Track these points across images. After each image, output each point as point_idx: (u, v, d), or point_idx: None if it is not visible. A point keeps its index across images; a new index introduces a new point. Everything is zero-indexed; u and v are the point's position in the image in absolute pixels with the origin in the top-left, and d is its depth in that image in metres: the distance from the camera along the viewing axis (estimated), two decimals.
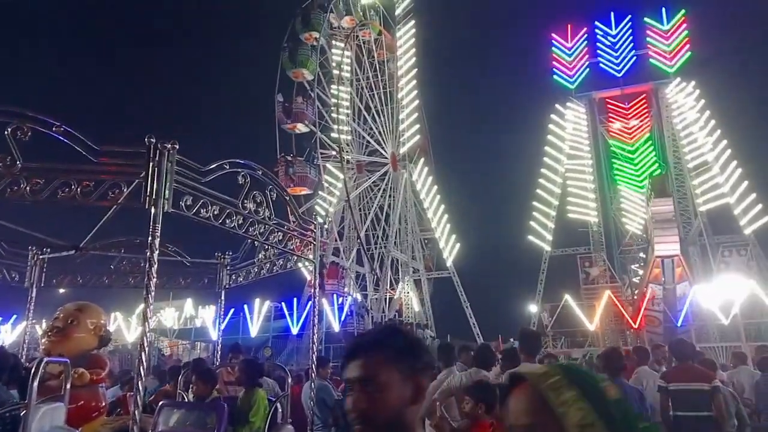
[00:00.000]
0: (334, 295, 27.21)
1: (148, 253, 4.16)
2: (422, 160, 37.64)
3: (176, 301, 30.84)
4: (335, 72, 35.39)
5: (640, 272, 32.05)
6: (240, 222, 5.03)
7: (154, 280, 4.21)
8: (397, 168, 36.50)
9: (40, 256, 7.61)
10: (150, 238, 4.17)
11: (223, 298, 8.59)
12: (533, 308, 32.63)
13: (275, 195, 5.53)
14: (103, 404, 6.17)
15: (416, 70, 37.45)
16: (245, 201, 5.08)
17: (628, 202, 37.46)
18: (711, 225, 33.05)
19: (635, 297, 26.67)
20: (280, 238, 5.76)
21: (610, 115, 39.06)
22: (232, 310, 24.52)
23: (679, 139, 35.62)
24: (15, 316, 25.25)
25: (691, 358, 6.96)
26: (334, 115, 34.31)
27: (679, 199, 33.44)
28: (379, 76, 37.96)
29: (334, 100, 34.89)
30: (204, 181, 4.60)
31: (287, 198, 5.83)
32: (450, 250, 36.36)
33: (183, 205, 4.41)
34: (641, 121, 38.29)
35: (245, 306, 25.13)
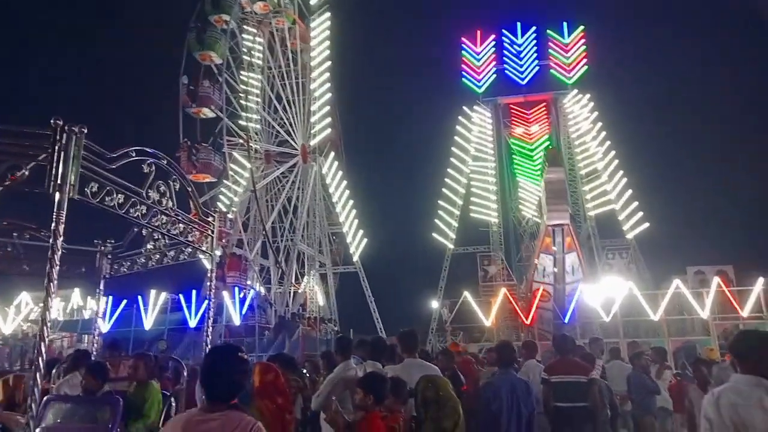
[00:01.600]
0: (236, 288, 26.56)
1: (51, 240, 3.97)
2: (333, 153, 37.60)
3: (63, 291, 28.77)
4: (246, 58, 34.47)
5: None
6: (143, 212, 4.87)
7: (57, 267, 4.04)
8: (307, 160, 36.21)
9: None
10: (54, 225, 3.99)
11: (102, 288, 8.13)
12: (435, 304, 33.66)
13: (178, 185, 5.38)
14: None
15: (330, 63, 37.32)
16: (149, 190, 4.92)
17: (525, 192, 39.61)
18: (598, 229, 35.78)
19: (529, 295, 28.23)
20: (181, 229, 5.61)
21: (513, 119, 41.06)
22: (125, 302, 23.29)
23: (573, 147, 38.17)
24: None
25: (571, 352, 7.56)
26: (242, 102, 33.42)
27: (571, 202, 35.80)
28: (292, 66, 37.43)
29: (243, 87, 33.96)
30: (109, 167, 4.42)
31: (189, 189, 5.68)
32: (357, 245, 36.64)
33: (89, 192, 4.23)
34: (541, 127, 40.54)
35: (139, 297, 23.91)
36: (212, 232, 6.26)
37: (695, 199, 44.36)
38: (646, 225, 33.96)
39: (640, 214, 34.26)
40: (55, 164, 4.03)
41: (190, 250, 6.56)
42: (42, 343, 4.25)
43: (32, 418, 4.18)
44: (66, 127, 4.05)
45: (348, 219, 36.96)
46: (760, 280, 22.46)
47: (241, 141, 32.48)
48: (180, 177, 5.42)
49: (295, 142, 36.02)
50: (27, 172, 3.99)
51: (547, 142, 38.99)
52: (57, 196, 4.00)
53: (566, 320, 25.03)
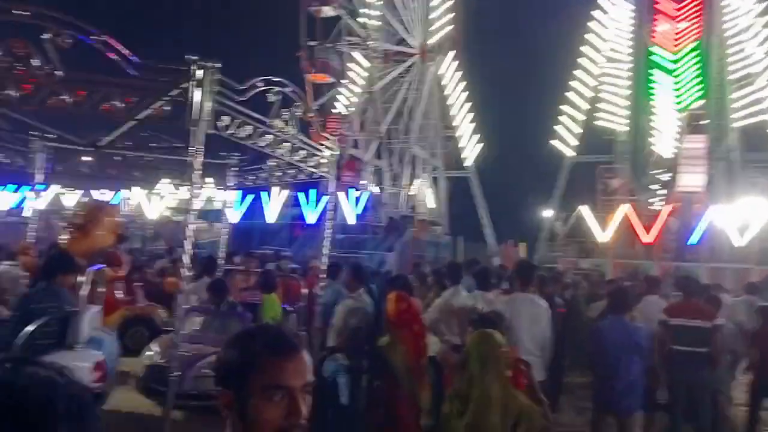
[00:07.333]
0: (351, 189, 27.45)
1: (192, 173, 4.25)
2: (452, 52, 35.94)
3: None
4: None
5: (661, 192, 31.34)
6: (270, 141, 5.05)
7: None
8: (425, 59, 35.09)
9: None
10: (192, 158, 4.23)
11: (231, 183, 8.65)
12: (547, 214, 32.79)
13: (301, 111, 5.49)
14: (120, 299, 6.65)
15: None
16: (275, 119, 5.06)
17: (659, 118, 35.74)
18: (744, 142, 31.95)
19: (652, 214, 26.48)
20: (303, 155, 5.79)
21: (658, 14, 36.26)
22: (252, 196, 25.08)
23: (725, 47, 33.43)
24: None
25: (695, 295, 7.12)
26: None
27: (714, 112, 32.09)
28: None
29: None
30: (239, 99, 4.56)
31: (312, 114, 5.80)
32: (471, 149, 35.94)
33: (220, 125, 4.42)
34: (691, 24, 35.54)
35: (262, 193, 25.51)
36: (332, 156, 6.42)
37: None
38: None
39: None
40: (190, 100, 4.18)
41: (309, 170, 6.81)
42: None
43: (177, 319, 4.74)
44: (200, 63, 4.12)
45: (463, 121, 36.05)
46: None
47: (359, 40, 31.94)
48: (304, 104, 5.51)
49: (414, 40, 34.88)
50: (169, 108, 4.18)
51: (694, 53, 34.11)
52: (193, 130, 4.19)
53: (692, 242, 23.43)
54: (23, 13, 3.65)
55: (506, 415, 3.24)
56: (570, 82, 35.26)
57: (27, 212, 10.85)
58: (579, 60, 35.35)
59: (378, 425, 5.38)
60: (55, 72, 3.90)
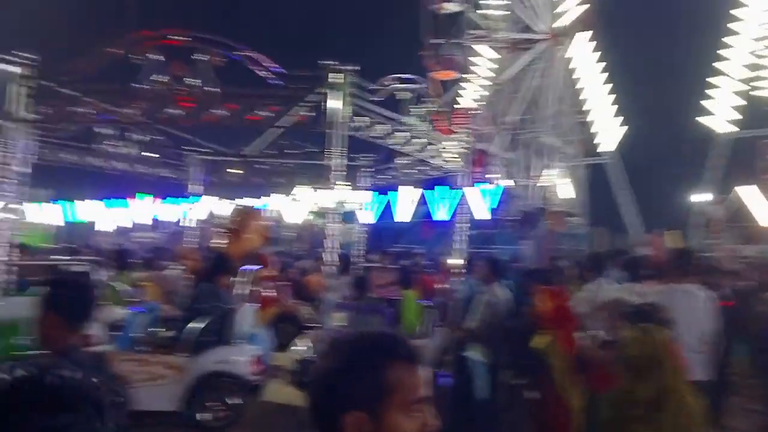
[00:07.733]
0: (481, 183, 26.96)
1: (330, 175, 4.45)
2: (585, 33, 33.78)
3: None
4: None
5: None
6: (408, 138, 5.13)
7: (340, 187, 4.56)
8: (555, 44, 33.45)
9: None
10: (329, 161, 4.42)
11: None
12: (698, 198, 29.81)
13: (435, 107, 5.51)
14: (271, 297, 7.15)
15: None
16: (407, 117, 5.12)
17: None
18: None
19: None
20: (436, 151, 5.80)
21: None
22: (384, 197, 25.68)
23: None
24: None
25: None
26: None
27: None
28: None
29: None
30: (372, 99, 4.67)
31: (442, 109, 5.79)
32: (609, 134, 33.65)
33: (354, 126, 4.57)
34: None
35: (392, 193, 25.93)
36: (464, 150, 6.37)
37: None
38: None
39: None
40: (327, 104, 4.35)
41: (438, 163, 6.82)
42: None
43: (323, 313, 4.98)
44: (337, 68, 4.26)
45: (600, 105, 33.83)
46: None
47: (482, 33, 31.30)
48: (435, 96, 5.53)
49: (543, 24, 33.41)
50: (313, 114, 4.39)
51: None
52: (329, 133, 4.37)
53: None
54: (184, 38, 4.08)
55: (681, 411, 2.97)
56: (719, 51, 31.67)
57: (188, 222, 12.09)
58: (730, 25, 31.64)
59: (522, 426, 5.21)
60: (211, 89, 4.27)
